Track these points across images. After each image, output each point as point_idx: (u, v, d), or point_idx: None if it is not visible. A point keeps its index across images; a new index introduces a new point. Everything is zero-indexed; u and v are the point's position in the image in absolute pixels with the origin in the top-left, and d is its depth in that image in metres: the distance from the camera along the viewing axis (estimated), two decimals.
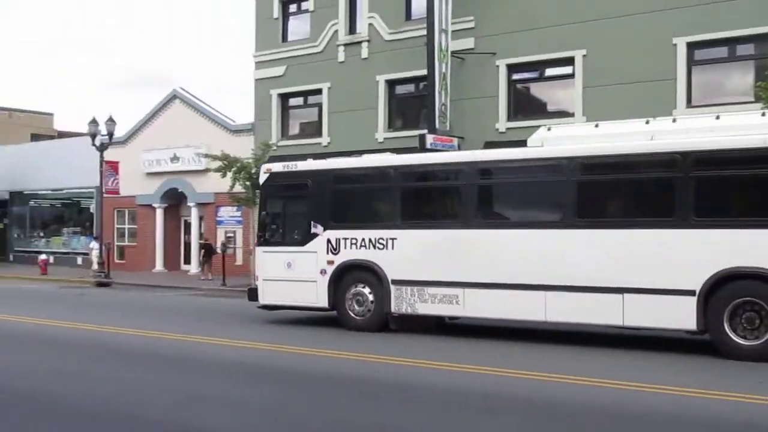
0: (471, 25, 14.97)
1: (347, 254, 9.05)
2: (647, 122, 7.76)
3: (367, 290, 9.01)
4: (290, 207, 9.57)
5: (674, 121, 7.68)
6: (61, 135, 34.41)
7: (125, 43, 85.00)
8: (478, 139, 14.02)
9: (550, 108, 14.31)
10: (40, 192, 26.15)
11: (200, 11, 77.33)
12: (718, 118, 7.38)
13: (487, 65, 14.72)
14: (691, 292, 7.06)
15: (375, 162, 9.16)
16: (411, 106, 16.23)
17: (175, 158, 21.89)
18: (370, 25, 16.87)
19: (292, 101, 18.91)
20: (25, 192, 26.86)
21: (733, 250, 6.93)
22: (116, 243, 23.18)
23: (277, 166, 9.70)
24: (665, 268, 7.18)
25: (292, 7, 18.43)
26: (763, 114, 7.28)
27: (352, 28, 17.20)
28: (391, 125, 16.43)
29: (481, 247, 8.17)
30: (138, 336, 8.47)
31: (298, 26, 18.31)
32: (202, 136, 21.11)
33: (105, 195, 20.75)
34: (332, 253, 9.17)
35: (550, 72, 14.20)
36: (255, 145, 18.11)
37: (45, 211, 26.63)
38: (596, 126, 8.04)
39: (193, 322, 10.00)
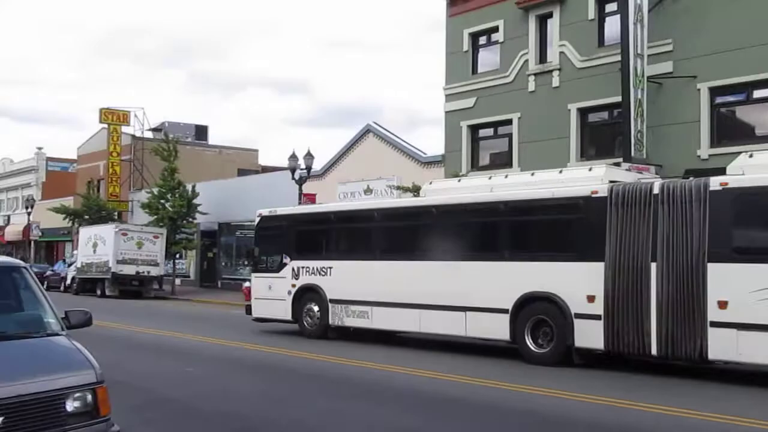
0: (669, 48, 16.31)
1: (304, 279, 14.45)
2: (489, 177, 12.69)
3: (315, 307, 14.29)
4: (272, 243, 15.08)
5: (506, 176, 12.37)
6: (265, 169, 42.72)
7: (322, 81, 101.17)
8: (677, 166, 15.30)
9: (758, 132, 15.26)
10: (245, 223, 33.12)
11: (389, 46, 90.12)
12: (533, 174, 12.02)
13: (686, 89, 15.95)
14: (506, 311, 11.34)
15: (319, 208, 15.24)
16: (604, 134, 17.98)
17: (368, 190, 26.21)
18: (561, 53, 18.98)
19: (482, 132, 21.60)
20: (232, 223, 34.31)
21: (532, 278, 11.07)
22: None
23: (265, 211, 15.46)
24: (491, 292, 11.53)
25: (482, 40, 21.02)
26: (560, 171, 11.79)
27: (542, 58, 19.35)
28: (583, 154, 18.30)
29: (381, 275, 13.10)
30: (355, 366, 10.59)
31: (488, 58, 20.84)
32: (394, 168, 24.98)
33: None
34: (295, 279, 14.60)
35: (758, 94, 15.16)
36: (445, 176, 21.11)
37: (250, 241, 33.57)
38: (458, 180, 13.46)
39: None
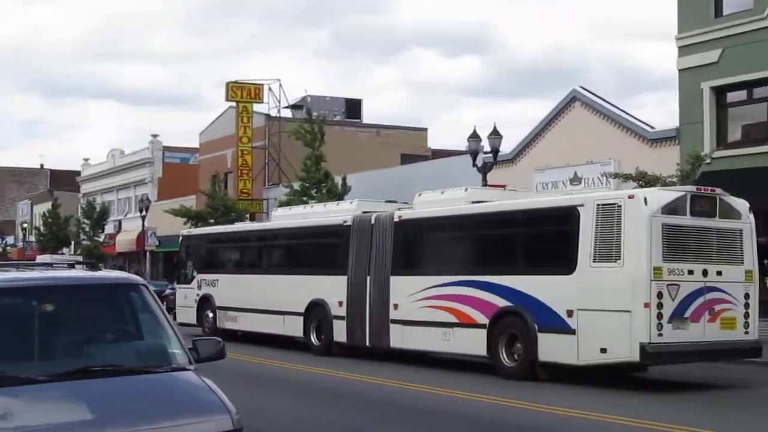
0: None
1: (204, 290, 25.00)
2: (308, 206, 26.51)
3: (210, 314, 24.73)
4: (189, 259, 26.33)
5: (312, 206, 25.48)
6: (435, 154, 45.29)
7: (503, 36, 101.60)
8: None
9: None
10: None
11: None
12: (311, 206, 25.30)
13: None
14: (301, 313, 21.84)
15: (215, 229, 28.59)
16: None
17: (575, 179, 27.20)
18: None
19: (731, 96, 21.97)
20: None
21: (314, 288, 21.46)
22: None
23: (185, 232, 28.66)
24: (294, 299, 21.93)
25: None
26: (342, 203, 23.82)
27: None
28: None
29: (247, 286, 23.42)
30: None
31: None
32: (611, 148, 25.68)
33: None
34: (198, 289, 25.28)
35: None
36: (680, 158, 21.77)
37: None
38: (305, 207, 25.91)
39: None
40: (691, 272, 15.02)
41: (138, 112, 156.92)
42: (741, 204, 16.05)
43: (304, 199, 35.68)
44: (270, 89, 46.79)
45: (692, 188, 16.08)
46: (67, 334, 6.15)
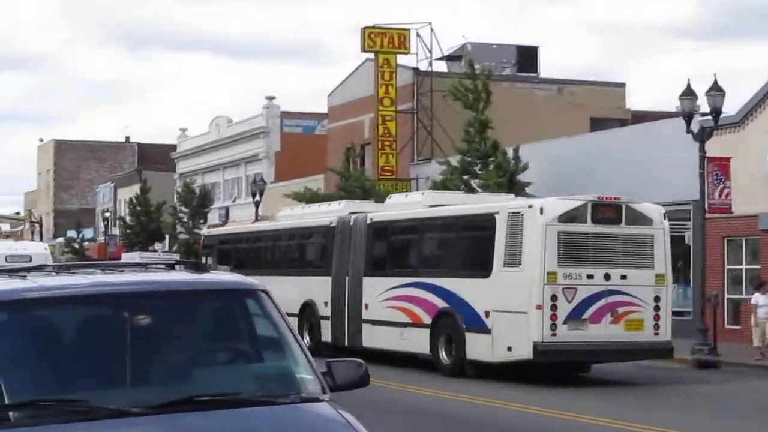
0: None
1: None
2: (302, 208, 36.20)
3: None
4: (212, 255, 35.20)
5: (310, 207, 34.90)
6: (637, 117, 45.17)
7: None
8: None
9: None
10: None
11: None
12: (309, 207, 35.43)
13: None
14: (294, 314, 27.84)
15: (226, 230, 41.46)
16: None
17: None
18: None
19: None
20: None
21: (307, 289, 28.72)
22: (727, 295, 30.51)
23: (205, 231, 43.62)
24: (286, 299, 20.78)
25: None
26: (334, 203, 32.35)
27: None
28: None
29: None
30: None
31: None
32: None
33: (708, 214, 27.42)
34: None
35: None
36: None
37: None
38: (291, 209, 36.06)
39: None
40: (590, 276, 21.19)
41: (243, 68, 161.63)
42: (653, 210, 22.33)
43: (465, 178, 36.65)
44: (419, 36, 47.52)
45: (593, 197, 22.15)
46: (167, 353, 6.29)
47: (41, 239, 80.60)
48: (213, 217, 62.05)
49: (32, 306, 6.21)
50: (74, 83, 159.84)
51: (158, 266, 7.16)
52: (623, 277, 21.61)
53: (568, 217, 21.42)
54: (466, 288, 22.62)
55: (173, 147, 77.08)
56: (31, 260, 41.33)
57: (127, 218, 70.54)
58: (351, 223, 26.83)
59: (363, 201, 29.94)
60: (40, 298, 6.23)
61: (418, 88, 47.83)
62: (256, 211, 48.33)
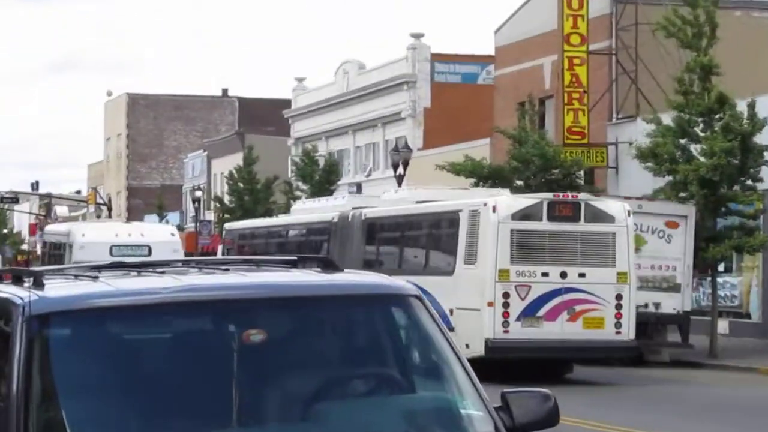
0: None
1: None
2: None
3: None
4: (232, 251, 48.86)
5: (318, 201, 51.36)
6: None
7: None
8: None
9: None
10: None
11: None
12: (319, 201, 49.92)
13: None
14: None
15: (243, 224, 53.34)
16: None
17: None
18: None
19: None
20: None
21: None
22: None
23: (227, 226, 56.99)
24: None
25: None
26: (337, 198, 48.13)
27: None
28: None
29: None
30: None
31: None
32: None
33: None
34: None
35: None
36: None
37: None
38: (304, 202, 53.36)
39: None
40: (545, 274, 27.40)
41: None
42: (617, 208, 28.60)
43: (682, 142, 36.91)
44: None
45: (549, 195, 28.80)
46: (289, 383, 6.33)
47: None
48: (340, 195, 63.12)
49: (102, 317, 6.25)
50: (152, 19, 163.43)
51: (273, 263, 7.27)
52: (581, 275, 28.16)
53: (523, 215, 28.42)
54: (434, 286, 26.84)
55: (286, 103, 78.78)
56: (150, 253, 42.63)
57: (226, 198, 72.22)
58: (349, 219, 35.02)
59: (367, 196, 39.31)
60: (113, 306, 6.28)
61: (618, 21, 47.99)
62: (399, 185, 48.61)
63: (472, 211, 28.51)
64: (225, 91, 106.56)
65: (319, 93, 73.99)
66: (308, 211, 39.77)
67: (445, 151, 53.11)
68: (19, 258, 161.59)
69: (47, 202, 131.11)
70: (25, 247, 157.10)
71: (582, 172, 45.20)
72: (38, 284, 6.37)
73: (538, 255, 28.07)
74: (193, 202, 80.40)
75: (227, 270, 7.01)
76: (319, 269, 6.94)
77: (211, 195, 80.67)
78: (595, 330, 28.14)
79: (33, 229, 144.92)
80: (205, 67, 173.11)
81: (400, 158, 50.06)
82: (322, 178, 61.74)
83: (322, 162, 63.45)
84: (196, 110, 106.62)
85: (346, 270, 7.17)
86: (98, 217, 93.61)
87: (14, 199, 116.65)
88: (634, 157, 39.11)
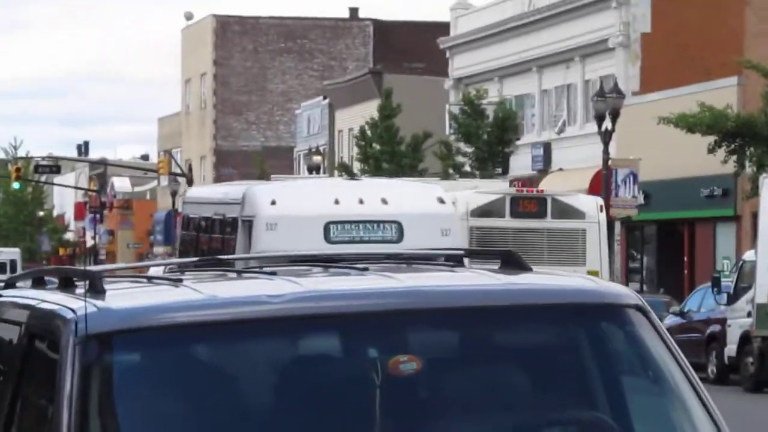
0: None
1: None
2: None
3: None
4: None
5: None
6: None
7: None
8: None
9: None
10: None
11: None
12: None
13: None
14: None
15: None
16: None
17: None
18: None
19: None
20: None
21: None
22: None
23: None
24: None
25: None
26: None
27: None
28: None
29: None
30: None
31: None
32: None
33: None
34: None
35: None
36: None
37: None
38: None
39: None
40: None
41: None
42: (587, 203, 34.06)
43: None
44: None
45: (512, 190, 35.04)
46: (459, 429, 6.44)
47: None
48: (520, 161, 64.18)
49: (186, 338, 6.35)
50: None
51: (431, 259, 7.47)
52: None
53: (483, 211, 34.69)
54: None
55: (442, 29, 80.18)
56: (400, 235, 32.90)
57: (355, 166, 73.75)
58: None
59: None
60: (202, 323, 6.34)
61: None
62: (605, 150, 49.83)
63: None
64: (354, 12, 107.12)
65: (489, 14, 74.62)
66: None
67: (672, 96, 53.57)
68: (61, 252, 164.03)
69: (101, 171, 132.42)
70: (69, 236, 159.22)
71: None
72: (96, 290, 6.36)
73: None
74: (309, 171, 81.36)
75: (365, 269, 6.95)
76: (497, 267, 6.97)
77: (335, 160, 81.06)
78: None
79: (80, 211, 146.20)
80: None
81: (607, 107, 50.15)
82: (493, 137, 62.08)
83: (492, 113, 63.76)
84: (313, 39, 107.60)
85: (543, 270, 7.27)
86: (174, 195, 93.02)
87: (53, 167, 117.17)
88: None
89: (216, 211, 40.65)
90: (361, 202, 36.54)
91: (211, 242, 40.44)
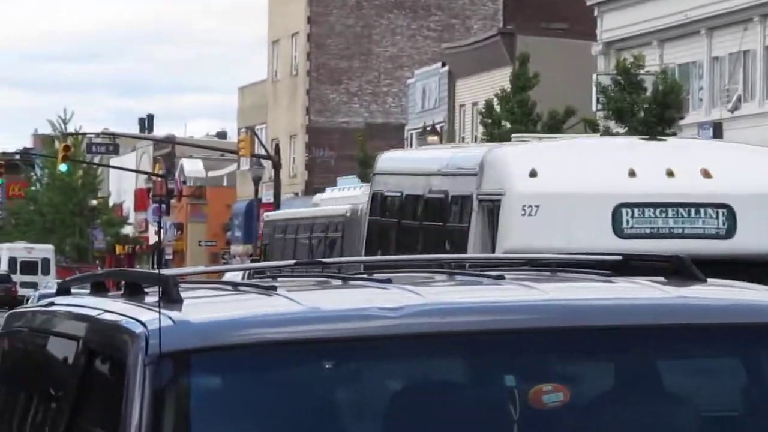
0: None
1: None
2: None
3: None
4: (270, 247, 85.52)
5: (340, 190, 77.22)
6: None
7: None
8: None
9: None
10: None
11: None
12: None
13: None
14: None
15: (276, 215, 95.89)
16: None
17: None
18: None
19: None
20: None
21: None
22: None
23: (264, 217, 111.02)
24: None
25: None
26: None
27: None
28: None
29: None
30: None
31: None
32: None
33: None
34: None
35: None
36: None
37: None
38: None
39: None
40: None
41: None
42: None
43: None
44: None
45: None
46: None
47: (275, 204, 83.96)
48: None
49: (281, 358, 6.50)
50: None
51: (581, 267, 7.72)
52: None
53: None
54: None
55: None
56: (733, 225, 26.73)
57: (483, 141, 72.66)
58: (358, 213, 45.52)
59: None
60: (301, 340, 6.56)
61: None
62: None
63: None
64: None
65: None
66: (333, 200, 53.35)
67: None
68: (118, 250, 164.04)
69: (168, 152, 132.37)
70: (127, 230, 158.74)
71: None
72: (171, 298, 6.56)
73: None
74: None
75: (501, 277, 7.11)
76: (663, 279, 7.07)
77: (457, 140, 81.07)
78: None
79: (142, 200, 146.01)
80: None
81: None
82: (651, 114, 62.07)
83: (650, 86, 63.76)
84: None
85: (709, 281, 7.20)
86: (258, 182, 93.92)
87: (110, 146, 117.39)
88: None
89: (432, 185, 35.53)
90: (670, 174, 29.98)
91: (421, 234, 35.59)
